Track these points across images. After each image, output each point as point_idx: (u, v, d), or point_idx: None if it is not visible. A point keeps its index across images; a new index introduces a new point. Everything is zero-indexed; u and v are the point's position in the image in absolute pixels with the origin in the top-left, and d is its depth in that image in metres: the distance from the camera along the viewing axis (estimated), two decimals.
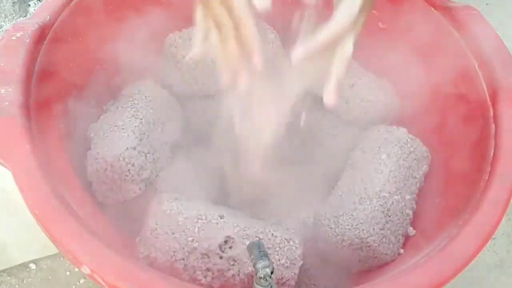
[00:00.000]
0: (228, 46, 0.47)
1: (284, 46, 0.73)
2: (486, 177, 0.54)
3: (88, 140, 0.61)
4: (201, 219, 0.53)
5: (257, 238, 0.53)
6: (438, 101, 0.66)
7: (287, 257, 0.54)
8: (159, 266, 0.51)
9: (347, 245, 0.58)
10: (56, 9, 0.61)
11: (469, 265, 0.47)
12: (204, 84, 0.69)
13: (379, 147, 0.64)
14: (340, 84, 0.48)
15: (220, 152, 0.71)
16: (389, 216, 0.59)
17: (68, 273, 0.74)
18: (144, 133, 0.61)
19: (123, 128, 0.60)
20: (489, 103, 0.60)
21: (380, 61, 0.71)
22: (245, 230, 0.54)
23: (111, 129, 0.60)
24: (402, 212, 0.60)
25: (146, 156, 0.59)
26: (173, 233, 0.53)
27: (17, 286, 0.72)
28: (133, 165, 0.58)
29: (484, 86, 0.61)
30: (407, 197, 0.61)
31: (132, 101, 0.64)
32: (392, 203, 0.60)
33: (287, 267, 0.54)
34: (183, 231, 0.53)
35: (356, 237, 0.57)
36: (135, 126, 0.60)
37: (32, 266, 0.73)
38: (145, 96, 0.65)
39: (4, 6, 1.04)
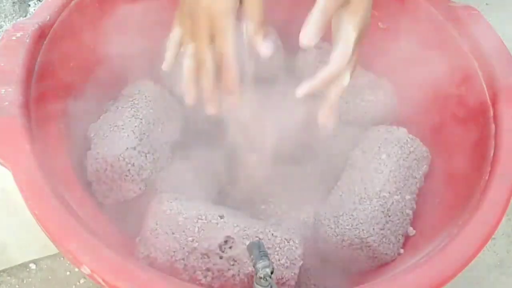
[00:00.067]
0: (204, 80, 0.53)
1: (286, 51, 0.73)
2: (486, 177, 0.54)
3: (88, 140, 0.61)
4: (201, 219, 0.53)
5: (257, 238, 0.53)
6: (438, 101, 0.66)
7: (287, 257, 0.54)
8: (159, 266, 0.51)
9: (347, 245, 0.58)
10: (56, 9, 0.61)
11: (469, 265, 0.47)
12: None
13: (379, 147, 0.64)
14: (335, 109, 0.55)
15: (220, 152, 0.71)
16: (389, 216, 0.59)
17: (68, 273, 0.73)
18: (144, 133, 0.61)
19: (123, 128, 0.60)
20: (489, 103, 0.60)
21: (380, 61, 0.71)
22: (245, 230, 0.54)
23: (111, 129, 0.60)
24: (402, 212, 0.60)
25: (146, 156, 0.59)
26: (173, 233, 0.53)
27: (17, 286, 0.72)
28: (133, 165, 0.58)
29: (484, 86, 0.61)
30: (407, 197, 0.61)
31: (132, 101, 0.64)
32: (392, 203, 0.60)
33: (287, 267, 0.54)
34: (183, 231, 0.53)
35: (356, 237, 0.57)
36: (135, 126, 0.60)
37: (32, 266, 0.73)
38: (145, 96, 0.65)
39: (4, 6, 1.04)
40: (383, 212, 0.59)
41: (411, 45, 0.68)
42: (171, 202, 0.55)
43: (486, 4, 1.09)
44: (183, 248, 0.52)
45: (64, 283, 0.73)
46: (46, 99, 0.56)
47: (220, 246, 0.53)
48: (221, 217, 0.54)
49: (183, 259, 0.52)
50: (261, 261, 0.45)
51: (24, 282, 0.72)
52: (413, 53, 0.68)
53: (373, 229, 0.57)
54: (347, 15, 0.51)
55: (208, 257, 0.52)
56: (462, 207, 0.54)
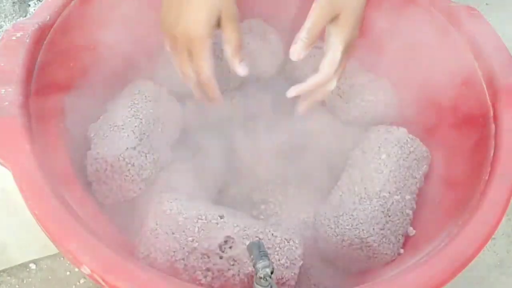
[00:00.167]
0: (190, 86, 0.61)
1: (286, 51, 0.73)
2: (486, 177, 0.54)
3: (88, 140, 0.61)
4: (201, 219, 0.53)
5: (257, 238, 0.53)
6: (438, 101, 0.66)
7: (287, 257, 0.54)
8: (159, 266, 0.51)
9: (347, 245, 0.58)
10: (56, 9, 0.61)
11: (469, 265, 0.47)
12: None
13: (379, 147, 0.64)
14: (314, 104, 0.63)
15: (220, 152, 0.71)
16: (389, 216, 0.59)
17: (68, 273, 0.74)
18: (144, 133, 0.61)
19: (123, 128, 0.60)
20: (489, 103, 0.60)
21: (380, 61, 0.71)
22: (245, 230, 0.54)
23: (111, 129, 0.60)
24: (402, 212, 0.60)
25: (146, 156, 0.59)
26: (173, 233, 0.53)
27: (17, 286, 0.72)
28: (133, 165, 0.58)
29: (484, 86, 0.61)
30: (407, 197, 0.61)
31: (132, 101, 0.64)
32: (392, 203, 0.60)
33: (287, 267, 0.54)
34: (183, 231, 0.53)
35: (356, 237, 0.57)
36: (135, 126, 0.60)
37: (32, 266, 0.73)
38: (145, 96, 0.65)
39: (4, 6, 1.04)
40: (383, 212, 0.59)
41: (411, 45, 0.68)
42: (171, 202, 0.55)
43: (486, 4, 1.09)
44: (183, 248, 0.52)
45: (64, 283, 0.73)
46: (46, 99, 0.56)
47: (220, 246, 0.53)
48: (221, 217, 0.54)
49: (183, 259, 0.52)
50: (261, 261, 0.45)
51: (24, 282, 0.72)
52: (413, 53, 0.68)
53: (373, 229, 0.57)
54: (335, 29, 0.56)
55: (208, 257, 0.52)
56: (462, 207, 0.54)
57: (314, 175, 0.69)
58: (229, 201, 0.67)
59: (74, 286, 0.73)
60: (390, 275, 0.53)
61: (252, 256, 0.46)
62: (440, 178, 0.64)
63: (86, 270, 0.43)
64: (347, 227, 0.58)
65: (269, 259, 0.45)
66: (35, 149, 0.49)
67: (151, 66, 0.69)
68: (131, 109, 0.62)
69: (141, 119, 0.61)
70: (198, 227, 0.53)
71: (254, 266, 0.45)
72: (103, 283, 0.43)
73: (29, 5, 1.05)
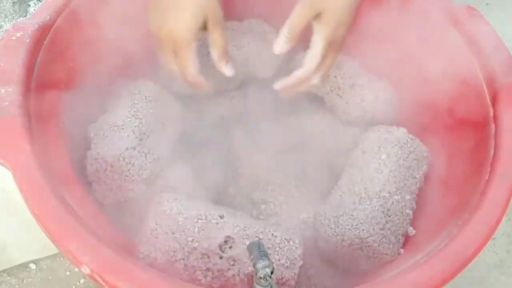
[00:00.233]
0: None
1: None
2: (486, 177, 0.54)
3: (88, 140, 0.61)
4: (201, 219, 0.53)
5: (257, 238, 0.53)
6: (438, 101, 0.66)
7: (287, 257, 0.54)
8: (159, 266, 0.51)
9: (347, 245, 0.58)
10: (56, 9, 0.61)
11: (469, 265, 0.47)
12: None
13: (379, 147, 0.64)
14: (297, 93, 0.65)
15: (220, 152, 0.71)
16: (389, 216, 0.59)
17: (68, 273, 0.74)
18: (144, 133, 0.61)
19: (123, 128, 0.60)
20: (489, 103, 0.60)
21: (379, 61, 0.71)
22: (245, 230, 0.54)
23: (111, 129, 0.60)
24: (402, 212, 0.60)
25: (146, 156, 0.59)
26: (173, 233, 0.53)
27: (17, 286, 0.72)
28: (133, 165, 0.58)
29: (484, 86, 0.61)
30: (407, 197, 0.61)
31: (132, 101, 0.64)
32: (392, 203, 0.60)
33: (287, 267, 0.54)
34: (183, 231, 0.53)
35: (356, 237, 0.57)
36: (135, 126, 0.60)
37: (32, 266, 0.73)
38: (145, 96, 0.65)
39: (4, 6, 1.04)
40: (383, 212, 0.59)
41: (411, 45, 0.68)
42: (171, 202, 0.55)
43: (486, 4, 1.09)
44: (183, 248, 0.52)
45: (64, 283, 0.73)
46: (46, 99, 0.56)
47: (220, 246, 0.53)
48: (221, 217, 0.54)
49: (183, 259, 0.52)
50: (261, 261, 0.45)
51: (24, 282, 0.72)
52: (413, 53, 0.68)
53: (373, 229, 0.57)
54: (318, 27, 0.59)
55: (208, 257, 0.52)
56: (462, 207, 0.54)
57: (314, 175, 0.69)
58: (229, 201, 0.67)
59: (74, 286, 0.73)
60: (390, 275, 0.53)
61: (252, 256, 0.46)
62: (440, 178, 0.64)
63: (86, 270, 0.43)
64: (347, 227, 0.58)
65: (269, 259, 0.45)
66: (35, 149, 0.49)
67: (151, 66, 0.69)
68: (131, 109, 0.62)
69: (141, 119, 0.61)
70: (198, 227, 0.53)
71: (254, 266, 0.45)
72: (103, 283, 0.43)
73: (29, 5, 1.05)
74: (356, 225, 0.58)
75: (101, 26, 0.63)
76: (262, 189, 0.67)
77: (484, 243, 0.48)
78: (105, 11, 0.64)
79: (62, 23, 0.61)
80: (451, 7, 0.67)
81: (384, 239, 0.58)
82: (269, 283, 0.46)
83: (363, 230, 0.57)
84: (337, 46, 0.60)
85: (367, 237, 0.57)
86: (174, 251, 0.52)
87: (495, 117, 0.58)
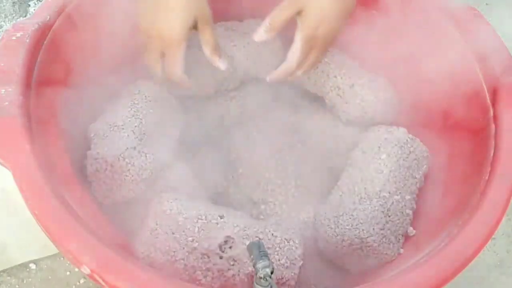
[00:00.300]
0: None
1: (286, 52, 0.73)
2: (486, 177, 0.54)
3: (88, 140, 0.61)
4: (201, 219, 0.53)
5: (257, 238, 0.53)
6: (438, 101, 0.66)
7: (287, 257, 0.54)
8: (159, 266, 0.51)
9: (347, 245, 0.58)
10: (56, 9, 0.61)
11: (469, 265, 0.47)
12: (204, 84, 0.69)
13: (379, 147, 0.64)
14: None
15: (220, 152, 0.71)
16: (389, 216, 0.59)
17: (68, 273, 0.74)
18: (144, 133, 0.61)
19: (123, 128, 0.60)
20: (489, 103, 0.60)
21: (379, 61, 0.71)
22: (245, 230, 0.54)
23: (111, 129, 0.60)
24: (402, 212, 0.60)
25: (146, 156, 0.59)
26: (173, 233, 0.53)
27: (17, 286, 0.72)
28: (133, 165, 0.58)
29: (484, 86, 0.61)
30: (407, 197, 0.61)
31: (132, 101, 0.64)
32: (392, 203, 0.60)
33: (287, 267, 0.54)
34: (183, 231, 0.53)
35: (356, 237, 0.57)
36: (135, 126, 0.60)
37: (32, 266, 0.73)
38: (145, 96, 0.65)
39: (4, 6, 1.04)
40: (383, 212, 0.59)
41: (411, 45, 0.68)
42: (171, 202, 0.55)
43: (486, 4, 1.09)
44: (183, 248, 0.52)
45: (64, 283, 0.73)
46: (46, 99, 0.56)
47: (220, 246, 0.53)
48: (221, 217, 0.54)
49: (183, 259, 0.52)
50: (261, 261, 0.45)
51: (24, 282, 0.72)
52: (413, 53, 0.68)
53: (373, 229, 0.57)
54: (298, 23, 0.62)
55: (208, 257, 0.52)
56: (462, 207, 0.54)
57: (314, 175, 0.69)
58: (229, 201, 0.67)
59: (74, 286, 0.73)
60: (390, 275, 0.53)
61: (252, 256, 0.46)
62: (440, 178, 0.64)
63: (86, 270, 0.43)
64: (347, 227, 0.58)
65: (269, 259, 0.45)
66: (35, 149, 0.49)
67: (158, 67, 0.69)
68: (131, 109, 0.62)
69: (141, 119, 0.61)
70: (198, 227, 0.53)
71: (254, 266, 0.45)
72: (103, 283, 0.43)
73: (29, 5, 1.05)
74: (356, 225, 0.58)
75: (101, 26, 0.63)
76: (262, 189, 0.67)
77: (484, 243, 0.48)
78: (105, 11, 0.64)
79: (62, 23, 0.61)
80: (451, 7, 0.67)
81: (384, 239, 0.58)
82: (269, 283, 0.46)
83: (363, 230, 0.57)
84: (319, 44, 0.63)
85: (367, 237, 0.57)
86: (174, 251, 0.52)
87: (495, 117, 0.58)
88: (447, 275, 0.46)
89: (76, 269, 0.73)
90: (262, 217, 0.65)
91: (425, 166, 0.64)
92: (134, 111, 0.62)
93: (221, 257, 0.52)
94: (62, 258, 0.74)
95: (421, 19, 0.68)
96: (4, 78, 0.52)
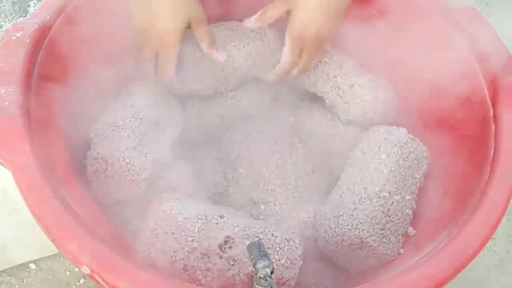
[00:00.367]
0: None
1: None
2: (486, 177, 0.54)
3: (88, 140, 0.61)
4: (201, 219, 0.53)
5: (257, 238, 0.53)
6: (438, 101, 0.66)
7: (287, 257, 0.54)
8: (159, 266, 0.51)
9: (347, 245, 0.58)
10: (56, 9, 0.61)
11: (469, 265, 0.47)
12: (204, 84, 0.69)
13: (379, 147, 0.64)
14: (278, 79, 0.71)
15: (220, 152, 0.71)
16: (389, 216, 0.59)
17: (68, 273, 0.74)
18: (144, 133, 0.61)
19: (123, 128, 0.60)
20: (489, 103, 0.60)
21: (379, 61, 0.71)
22: (245, 230, 0.54)
23: (111, 129, 0.60)
24: (402, 212, 0.60)
25: (146, 156, 0.59)
26: (173, 233, 0.53)
27: (17, 286, 0.72)
28: (133, 165, 0.58)
29: (484, 86, 0.61)
30: (407, 197, 0.61)
31: (132, 101, 0.64)
32: (392, 203, 0.60)
33: (287, 267, 0.54)
34: (183, 231, 0.53)
35: (356, 237, 0.57)
36: (135, 126, 0.60)
37: (32, 266, 0.73)
38: (145, 96, 0.65)
39: (4, 6, 1.04)
40: (383, 212, 0.59)
41: (411, 45, 0.68)
42: (171, 202, 0.55)
43: (486, 4, 1.09)
44: (183, 248, 0.52)
45: (64, 283, 0.73)
46: (46, 99, 0.56)
47: (220, 246, 0.53)
48: (221, 217, 0.54)
49: (183, 259, 0.52)
50: (261, 261, 0.45)
51: (24, 282, 0.72)
52: (413, 53, 0.68)
53: (373, 229, 0.57)
54: (288, 23, 0.64)
55: (208, 257, 0.52)
56: (462, 207, 0.54)
57: (314, 175, 0.69)
58: (229, 201, 0.67)
59: (74, 286, 0.73)
60: (390, 275, 0.53)
61: (252, 256, 0.46)
62: (440, 178, 0.64)
63: (86, 270, 0.43)
64: (347, 227, 0.58)
65: (269, 259, 0.45)
66: (35, 149, 0.49)
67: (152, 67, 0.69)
68: (131, 109, 0.62)
69: (141, 119, 0.61)
70: (198, 227, 0.53)
71: (254, 266, 0.45)
72: (103, 283, 0.43)
73: (29, 5, 1.05)
74: (356, 225, 0.58)
75: (101, 26, 0.63)
76: (262, 189, 0.67)
77: (484, 243, 0.48)
78: (105, 11, 0.64)
79: (62, 23, 0.61)
80: (451, 7, 0.67)
81: (384, 239, 0.58)
82: (269, 283, 0.46)
83: (363, 230, 0.57)
84: (308, 45, 0.65)
85: (367, 237, 0.57)
86: (174, 251, 0.52)
87: (495, 117, 0.58)
88: (447, 275, 0.46)
89: (76, 269, 0.73)
90: (262, 217, 0.65)
91: (425, 166, 0.64)
92: (134, 111, 0.62)
93: (221, 257, 0.52)
94: (62, 258, 0.74)
95: (421, 19, 0.68)
96: (4, 78, 0.52)
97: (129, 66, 0.67)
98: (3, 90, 0.52)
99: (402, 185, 0.61)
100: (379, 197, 0.59)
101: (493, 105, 0.59)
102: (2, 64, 0.54)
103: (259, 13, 0.66)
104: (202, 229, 0.53)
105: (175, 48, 0.62)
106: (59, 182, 0.49)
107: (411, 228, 0.61)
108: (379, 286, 0.48)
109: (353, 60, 0.71)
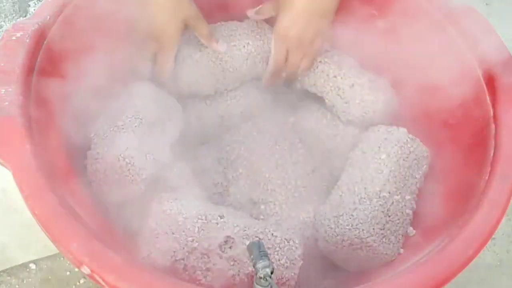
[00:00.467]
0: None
1: None
2: (486, 177, 0.54)
3: (88, 140, 0.61)
4: (201, 219, 0.53)
5: (257, 238, 0.53)
6: (438, 101, 0.66)
7: (287, 257, 0.54)
8: (159, 266, 0.51)
9: (347, 245, 0.58)
10: (56, 9, 0.61)
11: (469, 265, 0.47)
12: (204, 84, 0.69)
13: (379, 147, 0.64)
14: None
15: (220, 152, 0.71)
16: (389, 216, 0.59)
17: (68, 273, 0.74)
18: (144, 133, 0.61)
19: (123, 128, 0.60)
20: (489, 103, 0.60)
21: (379, 61, 0.71)
22: (245, 230, 0.54)
23: (111, 129, 0.60)
24: (402, 212, 0.60)
25: (146, 156, 0.59)
26: (173, 233, 0.53)
27: (17, 286, 0.72)
28: (133, 165, 0.58)
29: (484, 86, 0.61)
30: (407, 197, 0.61)
31: (132, 101, 0.64)
32: (392, 203, 0.60)
33: (287, 267, 0.54)
34: (183, 231, 0.53)
35: (356, 237, 0.57)
36: (135, 126, 0.60)
37: (32, 266, 0.73)
38: (145, 96, 0.65)
39: (4, 6, 1.04)
40: (383, 212, 0.59)
41: (411, 45, 0.68)
42: (171, 202, 0.55)
43: (486, 4, 1.09)
44: (183, 248, 0.52)
45: (64, 283, 0.73)
46: (46, 99, 0.56)
47: (220, 246, 0.53)
48: (221, 217, 0.54)
49: (183, 259, 0.52)
50: (261, 261, 0.45)
51: (24, 282, 0.72)
52: (413, 53, 0.68)
53: (373, 229, 0.57)
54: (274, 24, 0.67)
55: (208, 257, 0.52)
56: (462, 207, 0.54)
57: (314, 175, 0.69)
58: (229, 201, 0.67)
59: (74, 286, 0.73)
60: (390, 275, 0.53)
61: (252, 256, 0.46)
62: (440, 178, 0.64)
63: (86, 270, 0.43)
64: (347, 227, 0.58)
65: (269, 259, 0.45)
66: (35, 149, 0.49)
67: (152, 66, 0.69)
68: (131, 109, 0.62)
69: (141, 119, 0.61)
70: (198, 227, 0.53)
71: (254, 266, 0.45)
72: (103, 283, 0.43)
73: (29, 5, 1.05)
74: (356, 225, 0.58)
75: (101, 26, 0.63)
76: (262, 189, 0.67)
77: (484, 243, 0.48)
78: (105, 11, 0.64)
79: (62, 23, 0.61)
80: (451, 7, 0.67)
81: (384, 239, 0.58)
82: (269, 283, 0.46)
83: (363, 230, 0.57)
84: (295, 46, 0.66)
85: (367, 237, 0.57)
86: (174, 251, 0.52)
87: (495, 117, 0.58)
88: (447, 275, 0.46)
89: (76, 269, 0.73)
90: (262, 217, 0.65)
91: (425, 166, 0.64)
92: (134, 111, 0.62)
93: (221, 257, 0.52)
94: (62, 258, 0.74)
95: (421, 19, 0.68)
96: (4, 78, 0.53)
97: (129, 66, 0.67)
98: (3, 90, 0.52)
99: (402, 185, 0.61)
100: (379, 197, 0.59)
101: (493, 105, 0.59)
102: (2, 64, 0.54)
103: (257, 8, 0.69)
104: (202, 229, 0.53)
105: (172, 48, 0.65)
106: (59, 182, 0.49)
107: (411, 228, 0.61)
108: (379, 286, 0.48)
109: (353, 60, 0.71)
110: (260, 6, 0.69)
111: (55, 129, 0.57)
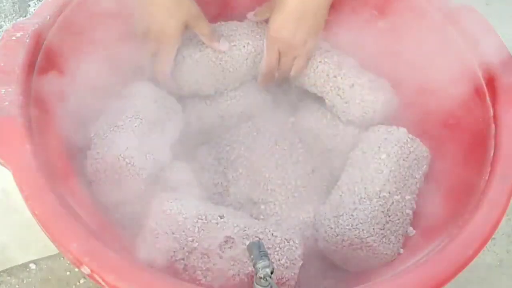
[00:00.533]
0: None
1: None
2: (486, 177, 0.54)
3: (88, 140, 0.61)
4: (201, 219, 0.53)
5: (257, 238, 0.53)
6: (438, 101, 0.66)
7: (287, 257, 0.54)
8: (159, 266, 0.51)
9: (347, 245, 0.58)
10: (56, 9, 0.61)
11: (469, 265, 0.47)
12: (204, 84, 0.69)
13: (379, 147, 0.64)
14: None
15: (220, 152, 0.71)
16: (389, 216, 0.59)
17: (68, 273, 0.74)
18: (144, 133, 0.61)
19: (123, 128, 0.60)
20: (489, 103, 0.60)
21: (379, 62, 0.71)
22: (245, 230, 0.54)
23: (111, 129, 0.60)
24: (402, 212, 0.60)
25: (146, 156, 0.59)
26: (173, 233, 0.53)
27: (17, 286, 0.72)
28: (133, 165, 0.58)
29: (484, 86, 0.61)
30: (407, 197, 0.61)
31: (132, 101, 0.64)
32: (392, 203, 0.60)
33: (287, 267, 0.54)
34: (183, 231, 0.53)
35: (356, 237, 0.57)
36: (135, 126, 0.60)
37: (32, 266, 0.73)
38: (145, 96, 0.65)
39: (4, 6, 1.04)
40: (383, 212, 0.59)
41: (411, 45, 0.68)
42: (171, 202, 0.55)
43: (486, 4, 1.09)
44: (183, 248, 0.52)
45: (64, 283, 0.73)
46: (46, 99, 0.56)
47: (220, 246, 0.52)
48: (221, 217, 0.54)
49: (183, 259, 0.52)
50: (261, 261, 0.45)
51: (24, 282, 0.72)
52: (413, 53, 0.68)
53: (373, 229, 0.57)
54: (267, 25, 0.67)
55: (208, 257, 0.52)
56: (462, 207, 0.54)
57: (314, 175, 0.69)
58: (229, 201, 0.67)
59: (74, 286, 0.73)
60: (390, 275, 0.53)
61: (252, 256, 0.46)
62: (440, 178, 0.64)
63: (86, 270, 0.43)
64: (347, 227, 0.58)
65: (269, 259, 0.45)
66: (35, 149, 0.49)
67: (152, 67, 0.69)
68: (131, 109, 0.62)
69: (141, 119, 0.61)
70: (198, 227, 0.53)
71: (254, 266, 0.45)
72: (103, 283, 0.43)
73: (29, 5, 1.05)
74: (356, 225, 0.58)
75: (101, 26, 0.63)
76: (262, 189, 0.67)
77: (484, 243, 0.48)
78: (105, 11, 0.64)
79: (62, 23, 0.61)
80: (450, 7, 0.67)
81: (384, 239, 0.58)
82: (269, 283, 0.46)
83: (363, 230, 0.57)
84: (286, 47, 0.66)
85: (367, 237, 0.57)
86: (174, 251, 0.52)
87: (495, 117, 0.58)
88: (447, 275, 0.46)
89: (76, 269, 0.73)
90: (262, 217, 0.65)
91: (425, 166, 0.64)
92: (134, 111, 0.62)
93: (221, 257, 0.52)
94: (62, 258, 0.74)
95: (421, 20, 0.68)
96: (4, 78, 0.53)
97: (130, 66, 0.67)
98: (3, 90, 0.52)
99: (402, 185, 0.61)
100: (379, 197, 0.59)
101: (493, 105, 0.59)
102: (2, 64, 0.54)
103: (256, 10, 0.70)
104: (202, 229, 0.53)
105: (172, 48, 0.64)
106: (59, 182, 0.49)
107: (411, 228, 0.61)
108: (379, 286, 0.48)
109: (353, 60, 0.71)
110: (258, 8, 0.70)
111: (55, 129, 0.57)
